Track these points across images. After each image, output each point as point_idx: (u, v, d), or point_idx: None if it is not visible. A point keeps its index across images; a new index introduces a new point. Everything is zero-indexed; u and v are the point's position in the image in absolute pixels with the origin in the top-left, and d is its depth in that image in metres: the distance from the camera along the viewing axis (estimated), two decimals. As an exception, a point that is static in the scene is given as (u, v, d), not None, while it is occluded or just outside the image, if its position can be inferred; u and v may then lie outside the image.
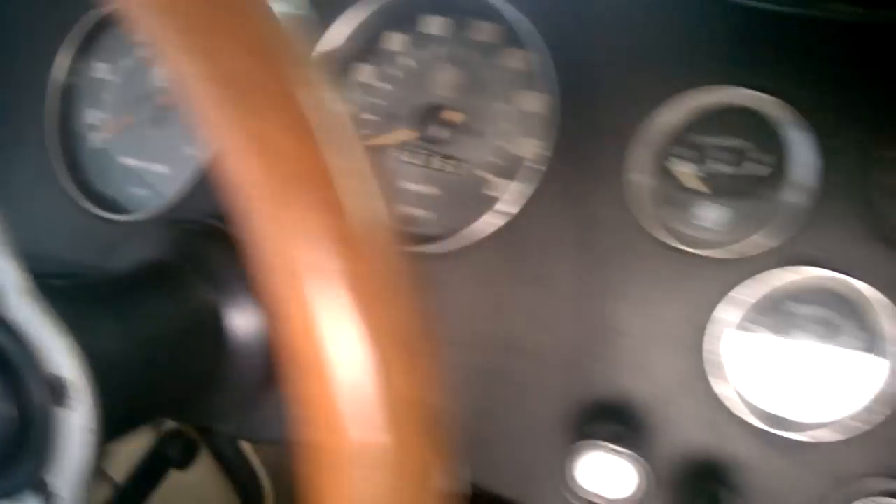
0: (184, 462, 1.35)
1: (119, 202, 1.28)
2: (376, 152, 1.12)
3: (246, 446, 1.63)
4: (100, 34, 1.31)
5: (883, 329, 0.88)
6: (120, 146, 1.30)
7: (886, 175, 0.90)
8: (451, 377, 1.03)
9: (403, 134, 1.10)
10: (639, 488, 0.86)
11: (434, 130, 1.08)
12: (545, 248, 0.99)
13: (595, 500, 0.87)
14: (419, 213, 1.09)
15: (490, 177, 1.06)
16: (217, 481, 1.58)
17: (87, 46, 1.32)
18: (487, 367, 1.00)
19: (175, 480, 1.40)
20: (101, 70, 1.32)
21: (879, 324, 0.88)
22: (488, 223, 1.01)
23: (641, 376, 0.95)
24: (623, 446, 0.89)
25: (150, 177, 1.27)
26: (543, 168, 1.00)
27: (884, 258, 0.89)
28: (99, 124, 1.32)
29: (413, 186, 1.10)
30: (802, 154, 0.91)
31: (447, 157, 1.09)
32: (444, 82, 1.09)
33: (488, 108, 1.07)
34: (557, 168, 0.99)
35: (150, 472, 1.25)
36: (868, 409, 0.88)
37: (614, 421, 0.96)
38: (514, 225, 1.00)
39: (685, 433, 0.94)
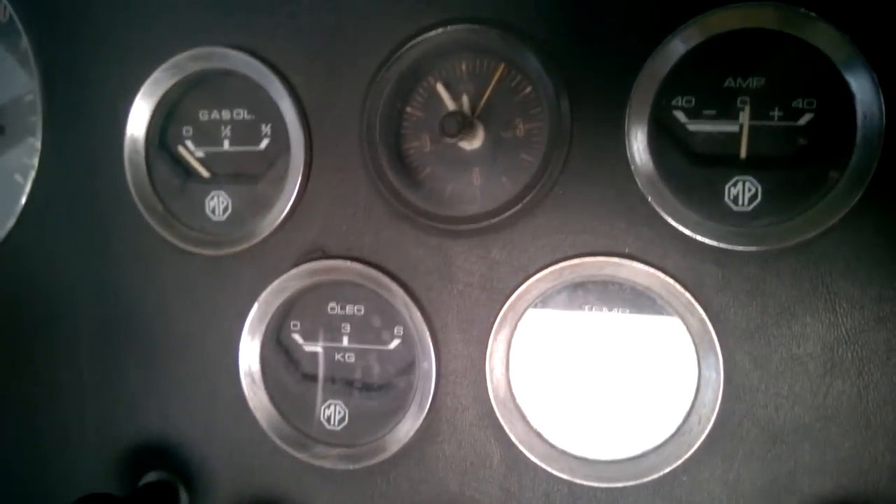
0: None
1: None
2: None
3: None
4: None
5: (406, 319, 0.73)
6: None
7: (400, 141, 0.74)
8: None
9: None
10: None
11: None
12: (52, 259, 0.82)
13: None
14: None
15: (21, 181, 0.88)
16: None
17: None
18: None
19: None
20: None
21: (401, 313, 0.73)
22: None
23: (180, 409, 0.80)
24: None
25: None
26: (36, 167, 0.83)
27: (406, 237, 0.73)
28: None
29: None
30: (292, 123, 0.74)
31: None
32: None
33: (14, 101, 0.89)
34: (53, 166, 0.83)
35: None
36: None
37: (166, 468, 0.80)
38: (13, 236, 0.83)
39: (233, 468, 0.78)
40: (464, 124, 0.69)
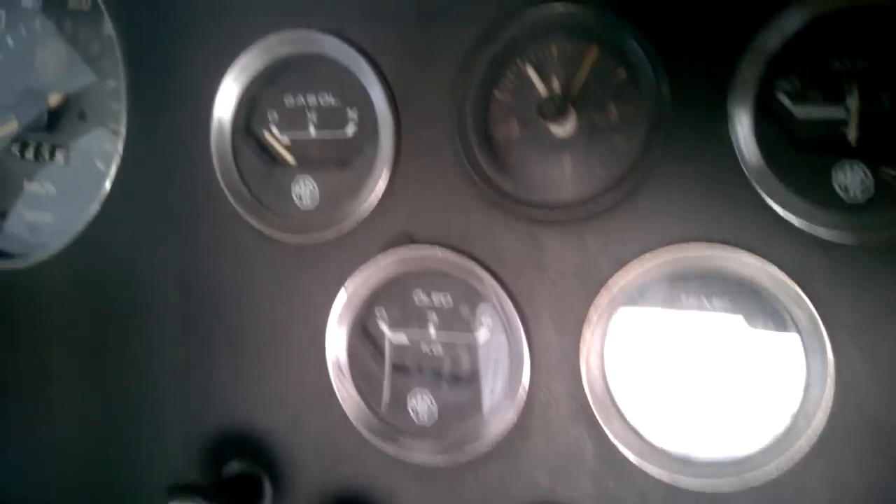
0: None
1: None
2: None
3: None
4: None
5: (495, 309, 0.71)
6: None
7: (489, 126, 0.72)
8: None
9: (7, 127, 0.92)
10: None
11: (35, 118, 0.90)
12: (137, 246, 0.82)
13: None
14: (37, 216, 0.92)
15: (102, 167, 0.89)
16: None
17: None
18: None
19: None
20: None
21: (491, 303, 0.71)
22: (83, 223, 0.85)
23: (267, 398, 0.79)
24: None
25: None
26: (121, 153, 0.83)
27: (496, 224, 0.71)
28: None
29: (28, 186, 0.93)
30: (382, 109, 0.72)
31: (58, 147, 0.91)
32: (44, 60, 0.91)
33: (95, 88, 0.89)
34: (138, 152, 0.82)
35: None
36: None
37: (250, 458, 0.79)
38: (98, 222, 0.83)
39: (319, 460, 0.77)
40: (562, 107, 0.66)
